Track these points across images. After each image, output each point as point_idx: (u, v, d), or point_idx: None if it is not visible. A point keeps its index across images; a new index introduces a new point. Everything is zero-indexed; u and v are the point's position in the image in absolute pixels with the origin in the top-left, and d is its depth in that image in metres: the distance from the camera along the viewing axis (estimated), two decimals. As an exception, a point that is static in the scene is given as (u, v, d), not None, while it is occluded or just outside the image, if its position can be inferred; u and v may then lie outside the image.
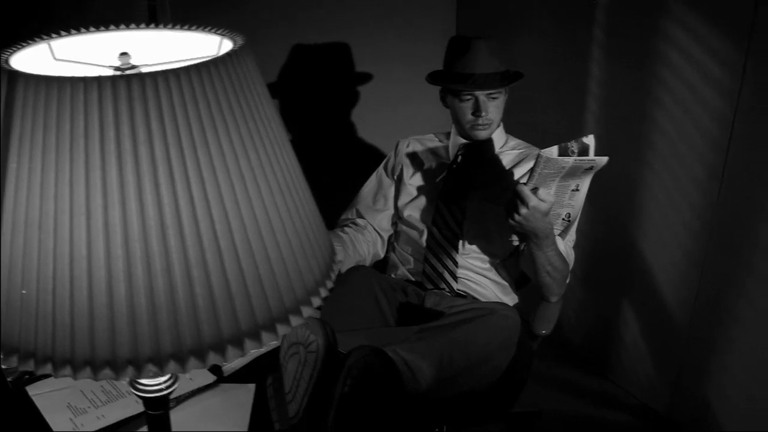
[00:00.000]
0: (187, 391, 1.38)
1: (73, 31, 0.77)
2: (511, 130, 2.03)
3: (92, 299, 0.63)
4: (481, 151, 1.93)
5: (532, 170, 1.53)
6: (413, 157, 2.03)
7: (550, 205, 1.57)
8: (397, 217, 2.02)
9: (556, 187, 1.59)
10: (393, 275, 2.01)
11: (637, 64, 2.18)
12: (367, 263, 2.01)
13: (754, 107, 1.88)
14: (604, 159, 1.54)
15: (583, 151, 1.55)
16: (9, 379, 1.41)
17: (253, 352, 1.53)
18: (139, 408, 1.31)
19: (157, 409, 0.80)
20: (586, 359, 2.67)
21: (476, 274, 1.89)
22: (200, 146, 0.64)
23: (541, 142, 2.62)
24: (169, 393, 0.79)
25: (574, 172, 1.56)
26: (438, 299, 1.83)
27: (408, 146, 2.05)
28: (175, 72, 0.63)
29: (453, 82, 1.84)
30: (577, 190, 1.63)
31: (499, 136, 1.95)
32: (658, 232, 2.25)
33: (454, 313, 1.64)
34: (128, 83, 0.61)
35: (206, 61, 0.65)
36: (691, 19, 2.00)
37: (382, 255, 2.07)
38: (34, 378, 1.43)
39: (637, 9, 2.18)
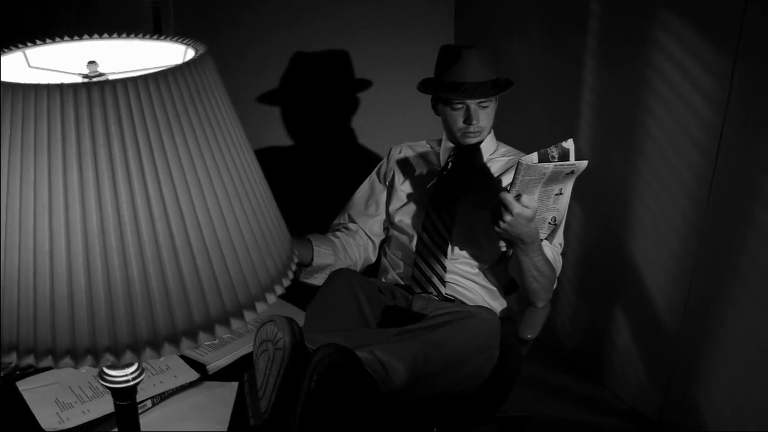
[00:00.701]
0: (172, 388, 1.43)
1: (48, 40, 0.82)
2: (503, 135, 2.07)
3: (54, 292, 0.68)
4: (471, 158, 1.96)
5: (513, 177, 1.57)
6: (405, 164, 2.07)
7: (534, 211, 1.60)
8: (389, 222, 2.06)
9: (539, 193, 1.62)
10: (384, 279, 2.04)
11: (629, 72, 2.21)
12: (358, 267, 2.05)
13: (741, 116, 1.90)
14: (584, 163, 1.57)
15: (564, 155, 1.58)
16: (0, 374, 1.46)
17: (236, 349, 1.58)
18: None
19: (125, 400, 0.84)
20: (578, 364, 2.69)
21: (465, 278, 1.92)
22: (157, 149, 0.69)
23: (533, 147, 2.65)
24: (136, 384, 0.83)
25: (556, 177, 1.59)
26: (425, 303, 1.87)
27: (400, 152, 2.09)
28: (133, 80, 0.67)
29: (444, 91, 1.87)
30: (561, 193, 1.66)
31: (489, 143, 1.98)
32: (650, 240, 2.27)
33: (435, 316, 1.68)
34: (89, 90, 0.66)
35: (164, 70, 0.69)
36: (681, 28, 2.02)
37: (373, 259, 2.10)
38: (25, 373, 1.48)
39: (629, 18, 2.21)
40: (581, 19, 2.37)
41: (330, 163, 2.99)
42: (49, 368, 1.47)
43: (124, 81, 0.67)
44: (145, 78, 0.68)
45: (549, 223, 1.73)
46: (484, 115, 1.88)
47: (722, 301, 2.04)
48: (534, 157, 1.56)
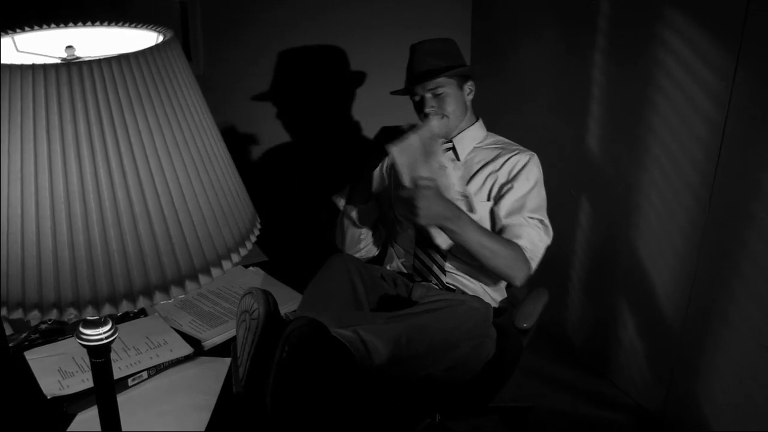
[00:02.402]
0: (167, 361, 1.51)
1: (35, 27, 0.90)
2: (513, 130, 2.10)
3: (24, 251, 0.75)
4: (459, 148, 2.00)
5: (395, 170, 1.66)
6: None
7: (435, 182, 1.67)
8: (393, 214, 2.11)
9: (429, 171, 1.72)
10: (389, 267, 2.10)
11: (635, 70, 2.23)
12: (371, 241, 2.14)
13: (743, 113, 1.91)
14: (431, 121, 1.79)
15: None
16: (10, 345, 1.56)
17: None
18: (119, 374, 1.44)
19: (99, 357, 0.92)
20: (585, 359, 2.71)
21: (465, 265, 1.96)
22: (119, 125, 0.76)
23: (541, 142, 2.69)
24: (109, 342, 0.91)
25: (429, 150, 1.70)
26: (425, 291, 1.92)
27: None
28: (98, 62, 0.74)
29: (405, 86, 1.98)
30: (444, 166, 1.77)
31: (477, 132, 2.02)
32: (654, 237, 2.29)
33: (425, 303, 1.73)
34: (57, 71, 0.73)
35: (126, 54, 0.76)
36: (685, 26, 2.04)
37: (377, 251, 2.16)
38: (33, 344, 1.58)
39: (636, 16, 2.23)
40: (590, 18, 2.40)
41: (340, 159, 3.06)
42: (55, 340, 1.57)
43: (89, 63, 0.74)
44: (108, 60, 0.75)
45: (460, 197, 1.81)
46: (442, 101, 1.94)
47: (724, 298, 2.05)
48: (397, 142, 1.68)
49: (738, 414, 2.07)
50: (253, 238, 0.90)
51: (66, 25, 0.92)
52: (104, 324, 0.90)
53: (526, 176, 1.92)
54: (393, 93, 2.05)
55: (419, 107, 1.95)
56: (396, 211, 1.91)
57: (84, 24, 0.92)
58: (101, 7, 2.98)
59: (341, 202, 2.08)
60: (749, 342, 1.99)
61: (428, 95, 1.92)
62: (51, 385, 1.42)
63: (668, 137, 2.16)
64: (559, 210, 2.69)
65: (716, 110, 1.99)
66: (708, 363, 2.15)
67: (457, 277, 1.96)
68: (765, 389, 1.96)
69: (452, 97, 1.94)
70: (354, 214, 2.03)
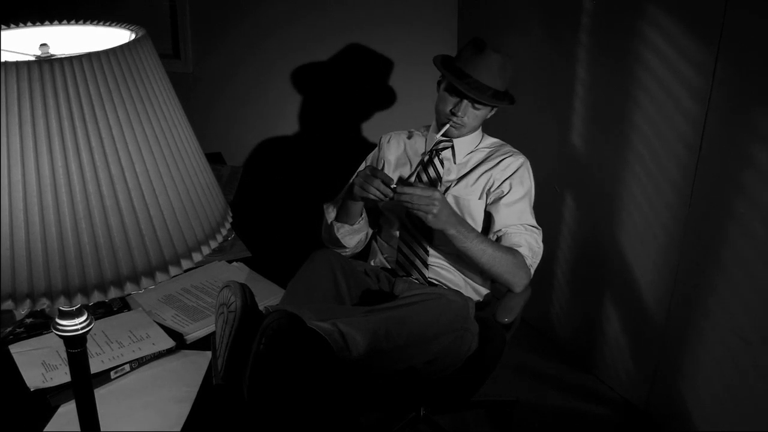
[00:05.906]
0: (150, 354, 1.53)
1: (11, 25, 0.92)
2: (500, 126, 2.12)
3: (-3, 244, 0.77)
4: (454, 148, 2.02)
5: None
6: (393, 152, 2.14)
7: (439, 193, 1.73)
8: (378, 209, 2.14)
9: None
10: (372, 262, 2.12)
11: (619, 67, 2.26)
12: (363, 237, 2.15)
13: (723, 108, 1.94)
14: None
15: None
16: (-5, 338, 1.58)
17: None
18: (101, 366, 1.46)
19: (76, 348, 0.94)
20: (570, 354, 2.74)
21: (447, 262, 1.99)
22: (90, 120, 0.78)
23: (528, 138, 2.71)
24: (85, 333, 0.93)
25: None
26: (407, 286, 1.94)
27: (389, 141, 2.17)
28: (69, 59, 0.77)
29: (452, 73, 1.92)
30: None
31: (474, 137, 2.04)
32: (637, 232, 2.31)
33: (405, 296, 1.75)
34: (29, 68, 0.75)
35: (97, 51, 0.78)
36: (666, 23, 2.07)
37: (362, 246, 2.18)
38: (17, 338, 1.60)
39: (619, 14, 2.26)
40: (575, 15, 2.42)
41: (324, 157, 3.08)
42: (39, 334, 1.59)
43: (61, 60, 0.76)
44: (80, 58, 0.77)
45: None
46: (473, 115, 1.95)
47: (705, 292, 2.08)
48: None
49: (720, 406, 2.10)
50: (224, 231, 0.92)
51: (42, 23, 0.94)
52: (80, 315, 0.92)
53: (520, 180, 1.95)
54: (435, 65, 1.98)
55: (452, 103, 1.93)
56: (406, 203, 1.86)
57: (60, 23, 0.94)
58: (92, 7, 3.01)
59: (331, 215, 2.06)
60: (730, 335, 2.02)
61: (465, 103, 1.92)
62: (35, 377, 1.44)
63: (650, 133, 2.19)
64: (544, 206, 2.71)
65: (697, 106, 2.02)
66: (691, 356, 2.18)
67: (439, 271, 1.99)
68: (746, 381, 1.99)
69: (484, 113, 1.97)
70: (342, 230, 2.04)
